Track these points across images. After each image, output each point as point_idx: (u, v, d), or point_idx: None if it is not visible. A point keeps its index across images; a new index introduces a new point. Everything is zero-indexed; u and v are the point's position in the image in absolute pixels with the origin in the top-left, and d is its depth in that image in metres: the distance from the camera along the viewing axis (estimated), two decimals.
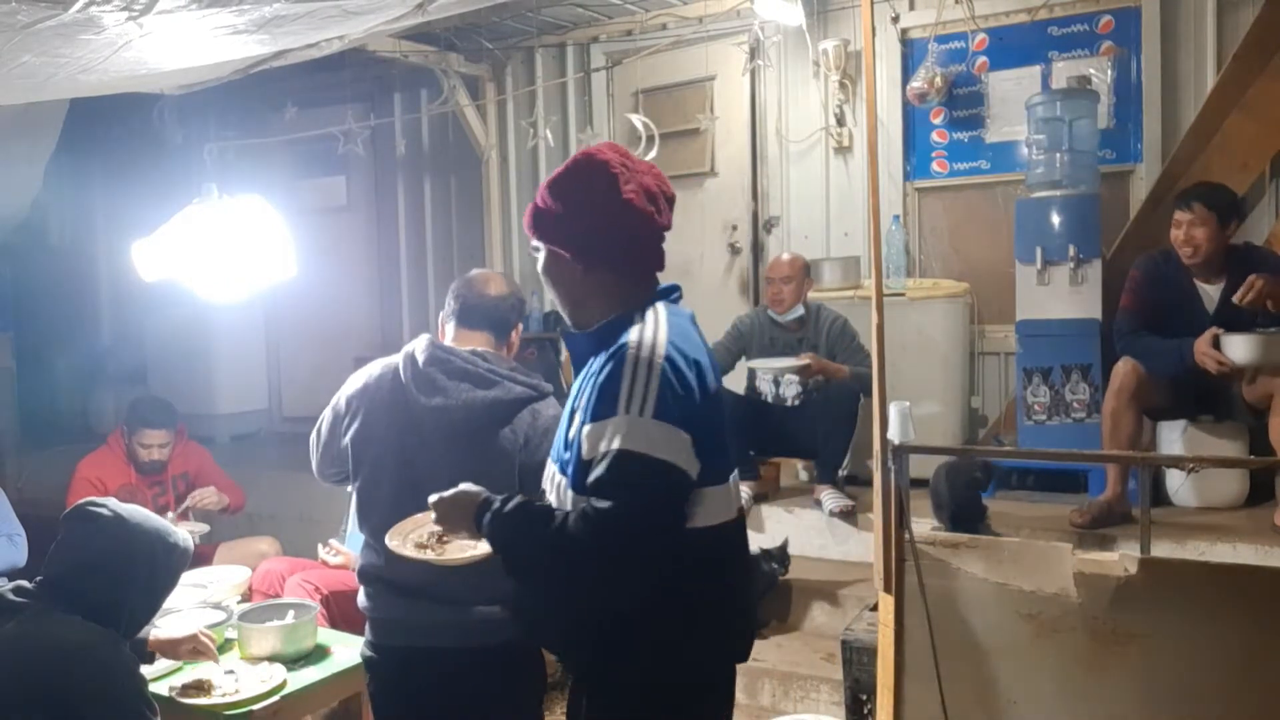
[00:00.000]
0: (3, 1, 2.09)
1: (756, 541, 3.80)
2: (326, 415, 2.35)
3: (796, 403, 4.36)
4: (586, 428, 1.65)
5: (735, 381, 4.37)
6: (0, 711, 2.16)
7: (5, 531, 3.82)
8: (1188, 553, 3.51)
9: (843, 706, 3.10)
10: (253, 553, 4.15)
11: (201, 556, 4.07)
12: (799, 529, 4.27)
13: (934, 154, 5.04)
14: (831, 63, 5.02)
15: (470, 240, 6.26)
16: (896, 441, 2.36)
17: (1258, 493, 3.92)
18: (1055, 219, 4.15)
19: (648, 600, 1.66)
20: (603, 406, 1.63)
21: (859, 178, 5.10)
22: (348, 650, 2.91)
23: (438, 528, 1.86)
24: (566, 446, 1.73)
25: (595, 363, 1.73)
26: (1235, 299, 3.54)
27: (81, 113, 5.46)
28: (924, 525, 3.10)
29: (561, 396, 2.05)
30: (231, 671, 2.70)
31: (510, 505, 1.69)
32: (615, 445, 1.59)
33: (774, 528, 4.28)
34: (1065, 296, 4.14)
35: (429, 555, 1.93)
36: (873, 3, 2.54)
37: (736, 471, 1.85)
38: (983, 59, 4.89)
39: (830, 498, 4.22)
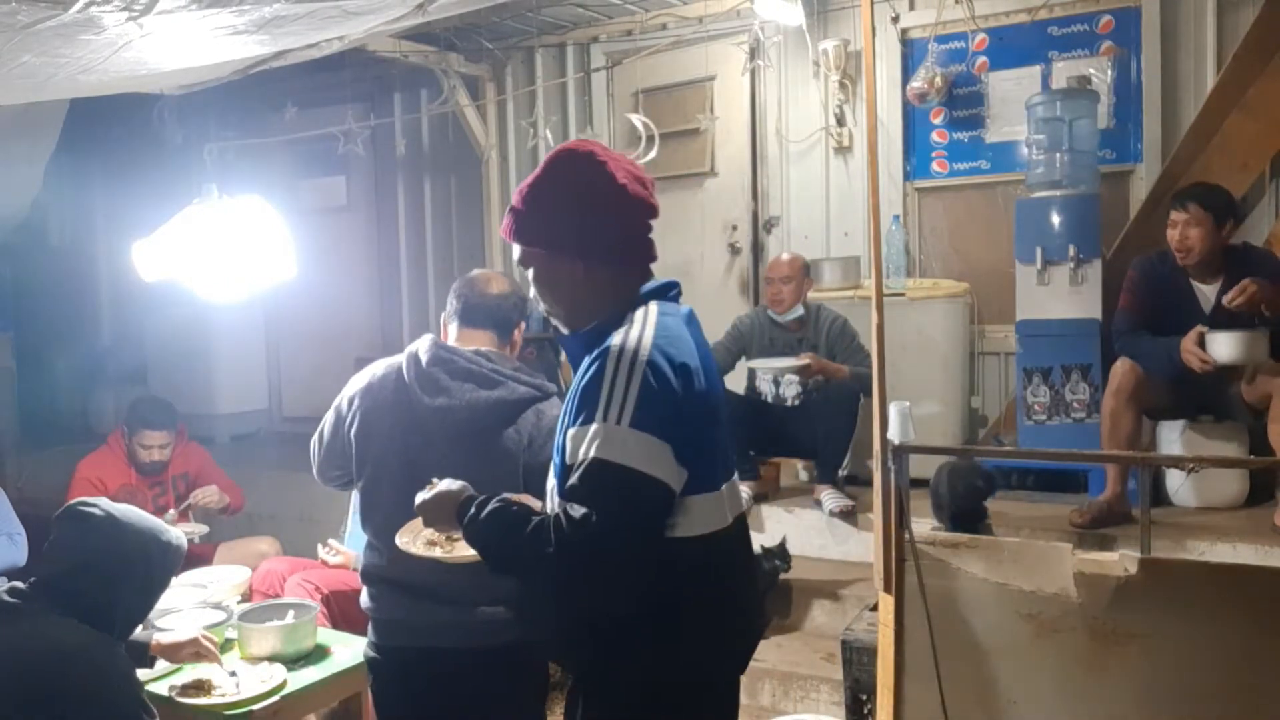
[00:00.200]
0: (3, 2, 2.09)
1: (756, 541, 3.79)
2: (329, 417, 2.35)
3: (796, 403, 4.36)
4: (570, 431, 1.63)
5: (735, 381, 4.37)
6: None
7: (5, 530, 3.81)
8: (1188, 553, 3.52)
9: (843, 706, 3.10)
10: (253, 553, 4.15)
11: (201, 556, 4.08)
12: (799, 529, 4.28)
13: (934, 154, 5.04)
14: (831, 63, 5.02)
15: (470, 240, 6.26)
16: (896, 441, 2.35)
17: (1257, 493, 3.92)
18: (1055, 219, 4.15)
19: (637, 604, 1.64)
20: (583, 411, 1.62)
21: (859, 178, 5.10)
22: (348, 650, 2.91)
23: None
24: (558, 449, 1.72)
25: (585, 363, 1.71)
26: (1225, 301, 3.55)
27: (81, 113, 5.46)
28: (924, 525, 3.09)
29: (563, 396, 2.04)
30: (234, 673, 2.70)
31: (489, 507, 1.68)
32: (591, 453, 1.57)
33: (774, 528, 4.28)
34: (1065, 296, 4.14)
35: (438, 552, 1.93)
36: (873, 3, 2.54)
37: (736, 476, 1.82)
38: (983, 59, 4.89)
39: (830, 498, 4.22)
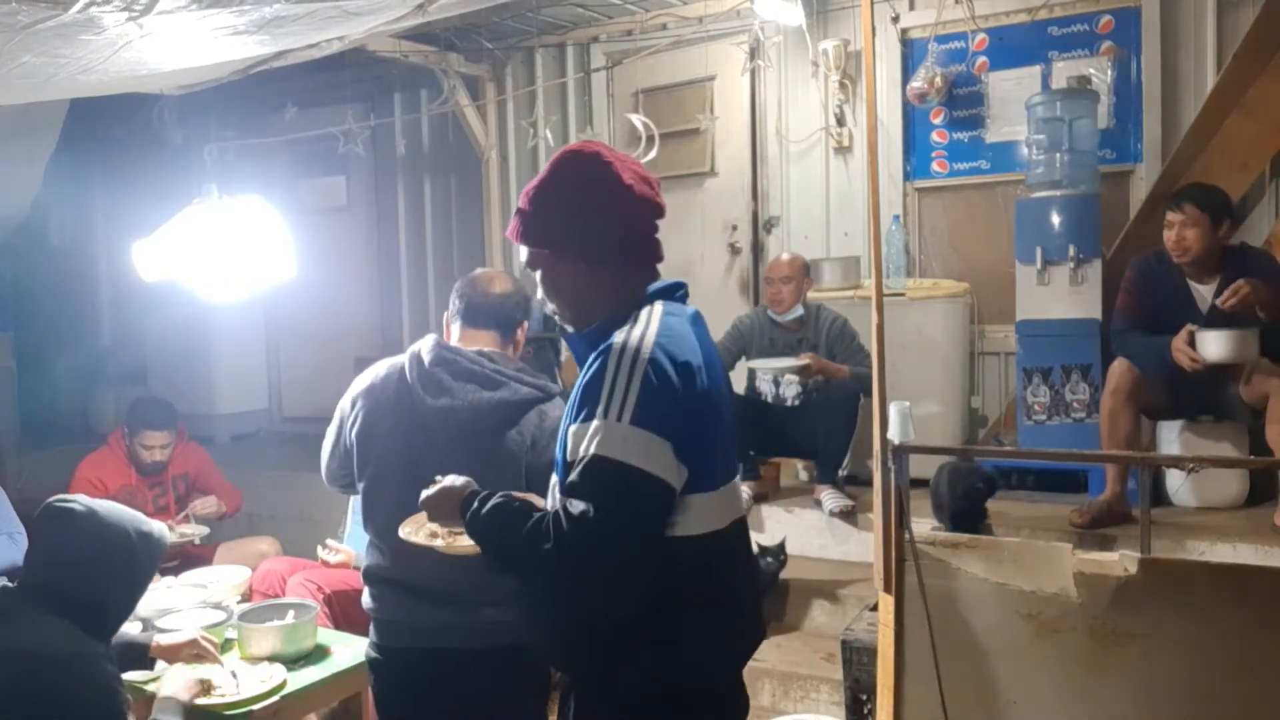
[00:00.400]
0: (3, 2, 2.09)
1: (756, 541, 3.80)
2: (334, 419, 2.35)
3: (796, 403, 4.36)
4: (572, 427, 1.63)
5: (735, 381, 4.36)
6: None
7: (5, 530, 3.81)
8: (1188, 553, 3.52)
9: (843, 706, 3.10)
10: (253, 553, 4.16)
11: (201, 557, 4.09)
12: (799, 529, 4.28)
13: (934, 154, 5.04)
14: (831, 63, 5.02)
15: (470, 240, 6.26)
16: (896, 441, 2.35)
17: (1257, 493, 3.93)
18: (1055, 219, 4.15)
19: (636, 604, 1.63)
20: (585, 408, 1.62)
21: (859, 178, 5.10)
22: (348, 650, 2.91)
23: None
24: (560, 446, 1.72)
25: (589, 361, 1.71)
26: (1218, 302, 3.55)
27: (81, 113, 5.46)
28: (924, 525, 3.10)
29: (564, 397, 2.04)
30: (235, 674, 2.69)
31: (491, 502, 1.68)
32: (591, 450, 1.57)
33: (774, 528, 4.28)
34: (1065, 296, 4.14)
35: (437, 543, 1.93)
36: (873, 3, 2.53)
37: (739, 477, 1.82)
38: (983, 59, 4.89)
39: (830, 498, 4.22)
